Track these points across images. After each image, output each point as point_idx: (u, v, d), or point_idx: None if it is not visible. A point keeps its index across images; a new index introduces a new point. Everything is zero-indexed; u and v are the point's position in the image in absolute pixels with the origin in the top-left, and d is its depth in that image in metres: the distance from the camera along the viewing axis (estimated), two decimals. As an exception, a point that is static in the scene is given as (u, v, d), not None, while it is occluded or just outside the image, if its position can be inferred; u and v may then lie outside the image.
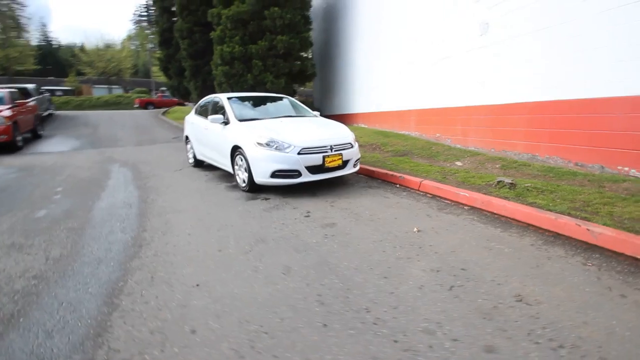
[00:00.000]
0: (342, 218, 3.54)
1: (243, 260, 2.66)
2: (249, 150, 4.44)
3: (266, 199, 4.35)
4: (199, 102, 6.62)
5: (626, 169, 4.10)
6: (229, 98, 5.57)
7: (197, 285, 2.30)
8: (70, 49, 46.90)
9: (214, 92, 14.76)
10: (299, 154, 4.27)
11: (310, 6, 12.25)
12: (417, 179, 4.60)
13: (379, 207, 3.90)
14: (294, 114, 5.57)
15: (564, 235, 2.90)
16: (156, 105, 25.86)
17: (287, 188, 4.66)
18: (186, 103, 20.48)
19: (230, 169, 5.12)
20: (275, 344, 1.72)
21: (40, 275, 2.52)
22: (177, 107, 22.08)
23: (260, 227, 3.35)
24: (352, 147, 4.76)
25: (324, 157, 4.37)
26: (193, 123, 6.44)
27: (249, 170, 4.48)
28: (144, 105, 25.89)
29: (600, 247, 2.65)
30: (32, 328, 1.91)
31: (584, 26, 4.44)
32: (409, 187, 4.69)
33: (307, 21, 12.20)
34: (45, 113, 14.97)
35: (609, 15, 4.17)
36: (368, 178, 5.36)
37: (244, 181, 4.70)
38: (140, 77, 47.75)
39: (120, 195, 4.69)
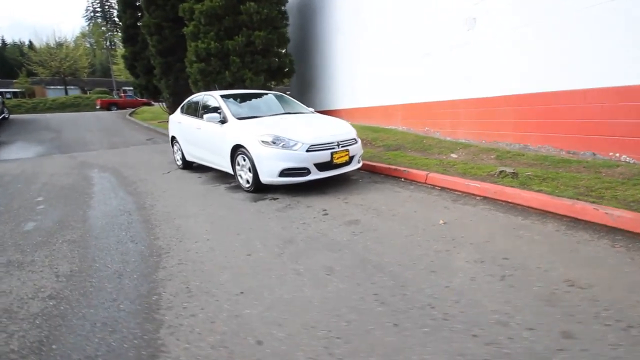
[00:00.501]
0: (362, 214, 3.49)
1: (279, 263, 2.54)
2: (254, 149, 4.27)
3: (274, 198, 4.21)
4: (186, 101, 6.31)
5: (617, 154, 4.35)
6: (222, 96, 5.34)
7: (242, 292, 2.16)
8: (17, 47, 43.33)
9: (188, 90, 14.19)
10: (307, 151, 4.16)
11: (286, 1, 12.06)
12: (423, 172, 4.64)
13: (393, 201, 3.88)
14: (290, 111, 5.44)
15: (582, 220, 3.02)
16: (120, 106, 24.43)
17: (294, 187, 4.54)
18: (154, 103, 19.52)
19: (229, 170, 4.91)
20: (354, 349, 1.64)
21: (57, 294, 2.26)
22: (144, 108, 21.00)
23: (282, 228, 3.23)
24: (356, 142, 4.72)
25: (332, 154, 4.30)
26: (180, 123, 6.13)
27: (254, 169, 4.32)
28: (107, 106, 24.37)
29: (620, 230, 2.79)
30: (72, 356, 1.70)
31: (570, 21, 4.66)
32: (415, 181, 4.72)
33: (284, 16, 12.00)
34: (0, 117, 13.72)
35: (594, 10, 4.39)
36: (370, 173, 5.35)
37: (247, 181, 4.53)
38: (99, 76, 45.05)
39: (113, 202, 4.37)
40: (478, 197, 3.87)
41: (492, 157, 5.49)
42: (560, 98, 4.87)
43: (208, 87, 11.93)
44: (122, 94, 26.89)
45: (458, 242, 2.72)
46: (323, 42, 11.89)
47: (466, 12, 6.13)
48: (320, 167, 4.26)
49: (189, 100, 6.20)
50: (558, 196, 3.43)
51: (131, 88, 35.45)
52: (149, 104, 23.77)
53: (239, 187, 4.80)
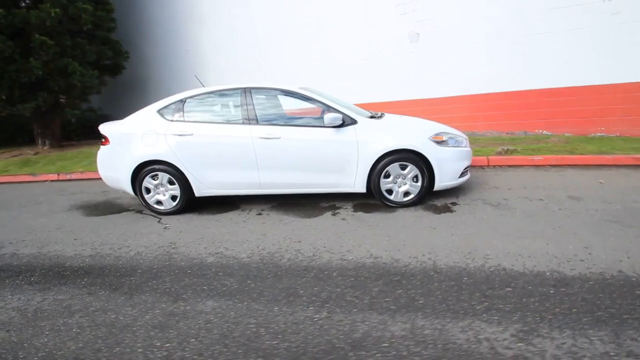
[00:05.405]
0: (562, 194, 3.81)
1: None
2: (431, 151, 3.48)
3: (454, 203, 3.65)
4: (181, 100, 3.72)
5: (540, 130, 6.80)
6: (303, 88, 3.72)
7: None
8: None
9: None
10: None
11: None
12: (482, 157, 5.33)
13: (527, 181, 4.33)
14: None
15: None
16: None
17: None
18: None
19: (355, 188, 3.66)
20: None
21: None
22: None
23: (593, 233, 3.08)
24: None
25: (469, 148, 4.21)
26: (191, 135, 3.61)
27: (427, 176, 3.51)
28: None
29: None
30: None
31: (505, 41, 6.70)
32: (474, 166, 5.31)
33: (107, -11, 8.56)
34: None
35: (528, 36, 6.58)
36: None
37: (406, 194, 3.59)
38: None
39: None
40: (547, 166, 5.05)
41: (461, 142, 6.89)
42: (498, 97, 6.88)
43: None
44: None
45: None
46: (171, 34, 9.46)
47: (410, 27, 7.16)
48: (466, 162, 4.08)
49: (194, 100, 3.71)
50: (599, 154, 5.10)
51: None
52: None
53: (363, 206, 3.67)
